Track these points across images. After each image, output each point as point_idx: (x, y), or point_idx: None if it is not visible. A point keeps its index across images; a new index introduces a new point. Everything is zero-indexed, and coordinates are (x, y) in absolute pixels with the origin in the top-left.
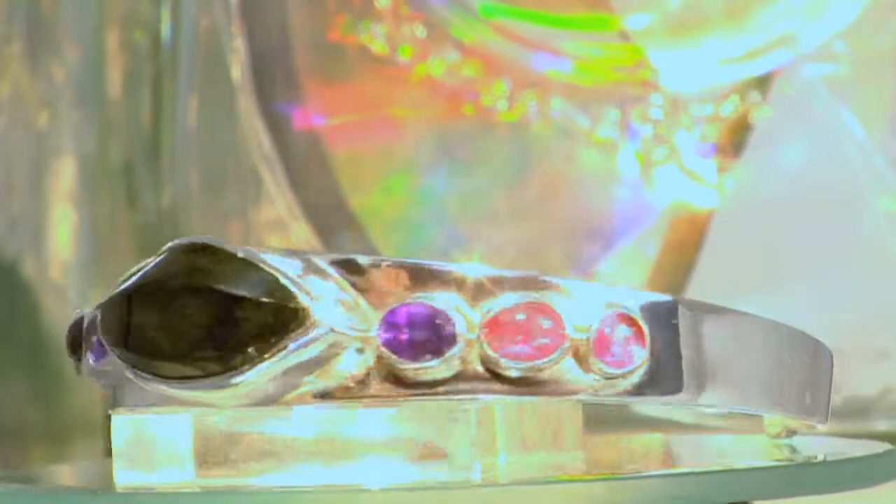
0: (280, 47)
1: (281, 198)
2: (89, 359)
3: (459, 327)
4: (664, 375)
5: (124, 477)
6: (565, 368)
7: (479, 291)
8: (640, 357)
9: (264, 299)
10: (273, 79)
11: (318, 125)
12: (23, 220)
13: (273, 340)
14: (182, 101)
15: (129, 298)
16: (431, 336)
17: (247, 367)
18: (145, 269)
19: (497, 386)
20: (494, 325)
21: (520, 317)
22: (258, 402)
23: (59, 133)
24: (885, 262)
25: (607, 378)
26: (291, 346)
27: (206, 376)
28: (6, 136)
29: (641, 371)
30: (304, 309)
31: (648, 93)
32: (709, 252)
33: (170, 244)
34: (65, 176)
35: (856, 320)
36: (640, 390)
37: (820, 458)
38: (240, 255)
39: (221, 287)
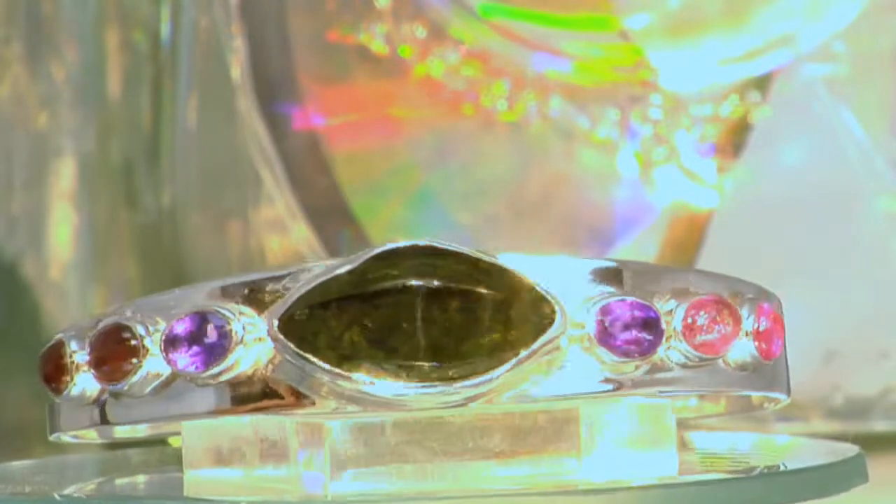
0: (280, 47)
1: (281, 198)
2: (177, 363)
3: (664, 324)
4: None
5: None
6: (739, 357)
7: (674, 291)
8: None
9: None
10: (273, 79)
11: (318, 125)
12: (23, 220)
13: (514, 339)
14: (182, 101)
15: (329, 305)
16: (648, 334)
17: (501, 367)
18: (333, 273)
19: (686, 381)
20: (695, 323)
21: (710, 314)
22: (456, 403)
23: (59, 133)
24: (885, 262)
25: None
26: (541, 342)
27: (450, 379)
28: (6, 136)
29: None
30: (552, 306)
31: (648, 93)
32: (709, 252)
33: (383, 248)
34: (65, 176)
35: (856, 320)
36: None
37: (781, 467)
38: (497, 261)
39: (464, 287)
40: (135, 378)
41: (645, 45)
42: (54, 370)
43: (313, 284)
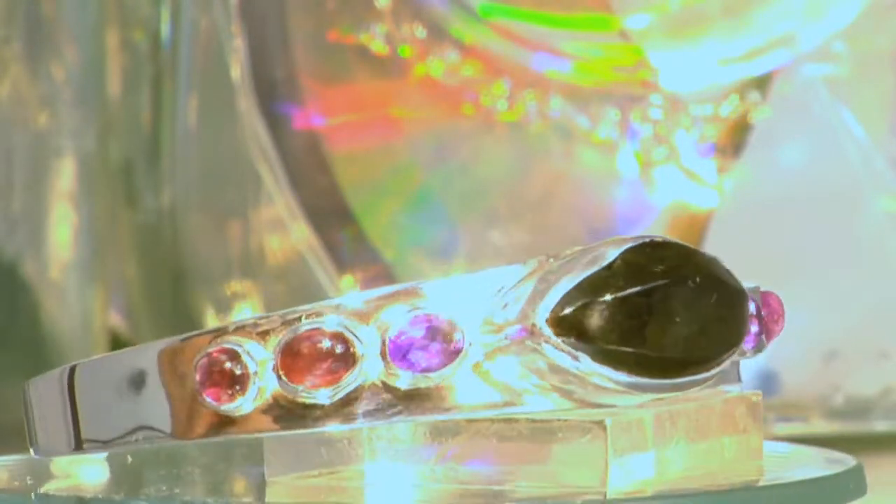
0: (280, 47)
1: (281, 198)
2: (419, 363)
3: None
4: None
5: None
6: None
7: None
8: None
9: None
10: (273, 79)
11: (318, 125)
12: (23, 220)
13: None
14: (182, 101)
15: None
16: (758, 327)
17: (720, 363)
18: (593, 270)
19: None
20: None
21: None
22: (664, 396)
23: (59, 133)
24: (885, 262)
25: None
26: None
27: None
28: (6, 136)
29: None
30: (747, 301)
31: (648, 93)
32: (709, 252)
33: (641, 241)
34: (65, 176)
35: (856, 320)
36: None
37: (778, 479)
38: (712, 255)
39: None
40: (340, 384)
41: (645, 45)
42: (225, 379)
43: (577, 281)
